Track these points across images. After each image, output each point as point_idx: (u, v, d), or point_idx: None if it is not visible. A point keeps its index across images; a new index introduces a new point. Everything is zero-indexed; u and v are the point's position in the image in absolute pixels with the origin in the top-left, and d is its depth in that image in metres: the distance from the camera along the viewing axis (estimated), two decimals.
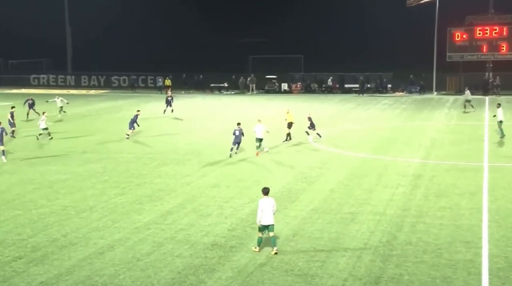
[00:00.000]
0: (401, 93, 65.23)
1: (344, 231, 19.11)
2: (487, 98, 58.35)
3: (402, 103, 56.83)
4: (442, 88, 64.75)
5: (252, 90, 69.28)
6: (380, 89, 66.64)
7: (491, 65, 63.54)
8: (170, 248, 17.76)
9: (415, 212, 21.14)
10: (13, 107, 38.70)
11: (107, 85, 76.64)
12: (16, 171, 28.22)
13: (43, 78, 79.74)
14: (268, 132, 31.73)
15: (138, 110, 38.16)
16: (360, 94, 64.11)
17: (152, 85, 73.75)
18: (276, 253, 16.98)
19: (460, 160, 29.69)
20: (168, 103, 47.40)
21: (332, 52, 74.20)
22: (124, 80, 75.86)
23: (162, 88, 69.01)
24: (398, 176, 26.41)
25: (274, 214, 17.27)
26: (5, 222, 20.27)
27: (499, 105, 36.63)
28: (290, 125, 35.02)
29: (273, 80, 69.66)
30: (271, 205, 17.21)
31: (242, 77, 70.46)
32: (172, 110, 47.14)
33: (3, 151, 30.28)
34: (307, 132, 35.32)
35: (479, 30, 62.84)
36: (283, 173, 27.36)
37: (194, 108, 54.51)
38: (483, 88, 62.29)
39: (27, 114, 45.55)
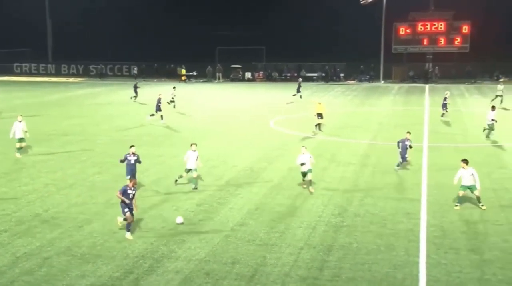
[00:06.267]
0: (352, 81, 65.70)
1: (301, 205, 19.28)
2: (427, 86, 59.19)
3: (353, 90, 57.29)
4: (388, 77, 65.47)
5: (219, 78, 69.03)
6: (334, 78, 67.06)
7: (431, 56, 64.41)
8: (144, 222, 17.68)
9: (364, 187, 21.43)
10: (160, 94, 37.73)
11: (85, 73, 75.48)
12: (3, 151, 27.64)
13: (25, 66, 78.19)
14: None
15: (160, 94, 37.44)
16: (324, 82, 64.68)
17: (127, 73, 72.98)
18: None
19: None
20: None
21: (292, 44, 74.06)
22: (101, 69, 74.75)
23: (136, 76, 68.90)
24: (349, 156, 26.70)
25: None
26: None
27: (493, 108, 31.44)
28: (319, 115, 32.74)
29: (238, 70, 69.59)
30: (472, 172, 18.74)
31: (209, 67, 70.14)
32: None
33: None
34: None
35: (421, 25, 63.62)
36: (247, 154, 27.39)
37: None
38: (424, 77, 63.18)
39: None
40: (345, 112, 42.02)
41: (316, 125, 32.81)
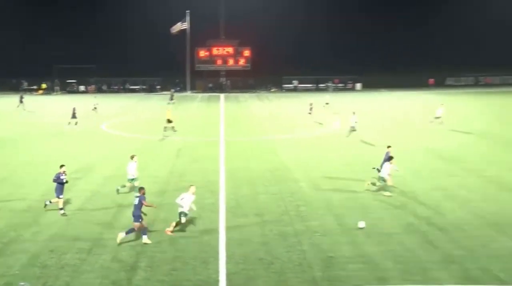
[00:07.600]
0: (168, 92, 65.11)
1: (131, 191, 18.58)
2: (222, 95, 61.11)
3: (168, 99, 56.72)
4: (194, 88, 66.24)
5: (57, 91, 63.73)
6: (152, 90, 65.87)
7: (224, 73, 66.73)
8: None
9: (179, 173, 21.43)
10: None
11: None
12: None
13: None
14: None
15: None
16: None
17: None
18: None
19: (207, 137, 30.70)
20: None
21: (119, 62, 70.89)
22: None
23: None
24: (167, 149, 26.49)
25: None
26: None
27: (354, 113, 29.06)
28: (169, 121, 31.08)
29: (73, 83, 65.22)
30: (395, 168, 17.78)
31: (49, 82, 64.37)
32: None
33: None
34: None
35: (215, 49, 65.51)
36: (85, 151, 25.66)
37: (14, 105, 48.18)
38: (219, 88, 65.23)
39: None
40: (163, 116, 41.46)
41: (164, 128, 31.08)
